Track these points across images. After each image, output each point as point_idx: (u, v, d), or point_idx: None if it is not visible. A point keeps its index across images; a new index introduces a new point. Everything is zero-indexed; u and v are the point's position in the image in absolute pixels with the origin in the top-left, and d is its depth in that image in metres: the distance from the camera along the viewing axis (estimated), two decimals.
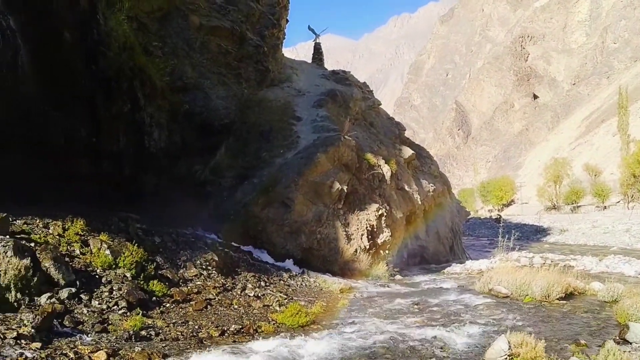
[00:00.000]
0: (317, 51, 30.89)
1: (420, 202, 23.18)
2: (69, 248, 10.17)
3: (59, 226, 10.76)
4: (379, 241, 18.80)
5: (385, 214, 19.23)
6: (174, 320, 9.41)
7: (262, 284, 13.27)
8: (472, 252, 32.51)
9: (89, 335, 7.82)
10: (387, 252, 19.47)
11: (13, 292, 7.96)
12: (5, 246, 8.48)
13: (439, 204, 26.58)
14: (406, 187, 22.49)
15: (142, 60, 16.21)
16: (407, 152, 24.95)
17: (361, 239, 17.97)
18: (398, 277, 18.96)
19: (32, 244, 9.35)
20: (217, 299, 11.14)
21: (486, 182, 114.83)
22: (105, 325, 8.30)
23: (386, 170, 20.73)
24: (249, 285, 12.69)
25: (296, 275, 15.34)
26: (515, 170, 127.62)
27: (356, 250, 17.74)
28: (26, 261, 8.45)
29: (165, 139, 17.29)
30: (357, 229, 18.05)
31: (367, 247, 18.04)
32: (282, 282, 14.14)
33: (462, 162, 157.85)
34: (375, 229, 18.58)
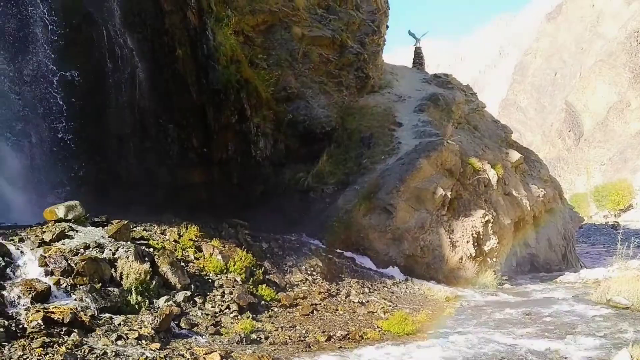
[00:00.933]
0: (418, 55, 30.55)
1: (529, 208, 22.18)
2: (183, 253, 10.74)
3: (174, 232, 11.39)
4: (486, 248, 18.20)
5: (491, 220, 18.59)
6: (282, 325, 9.65)
7: (366, 290, 13.28)
8: (587, 261, 30.58)
9: (204, 337, 8.21)
10: (494, 259, 18.80)
11: (134, 295, 8.52)
12: (127, 251, 9.11)
13: (549, 209, 25.28)
14: (514, 192, 21.62)
15: (248, 72, 16.85)
16: (514, 155, 23.98)
17: (466, 246, 17.49)
18: (507, 285, 18.25)
19: (151, 249, 9.97)
20: (322, 305, 11.30)
21: (601, 186, 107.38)
22: (218, 327, 8.67)
23: (492, 174, 20.05)
24: (353, 292, 12.75)
25: (400, 282, 15.20)
26: (633, 173, 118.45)
27: (461, 258, 17.28)
28: (146, 266, 9.03)
29: (270, 147, 17.86)
30: (462, 235, 17.59)
31: (473, 254, 17.52)
32: (385, 289, 14.07)
33: (573, 165, 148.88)
34: (481, 236, 18.01)
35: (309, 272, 12.87)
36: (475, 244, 17.74)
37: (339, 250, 16.12)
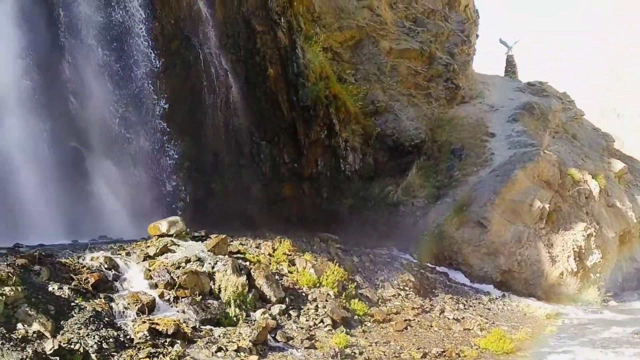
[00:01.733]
0: (510, 64, 29.66)
1: (635, 220, 20.79)
2: (277, 267, 10.94)
3: (269, 246, 11.65)
4: (588, 263, 17.21)
5: (594, 233, 17.57)
6: (375, 340, 9.57)
7: (461, 306, 12.92)
8: None
9: (299, 351, 8.29)
10: (597, 275, 17.72)
11: (232, 308, 8.76)
12: (225, 265, 9.40)
13: None
14: (618, 204, 20.35)
15: (336, 88, 17.06)
16: (618, 165, 22.61)
17: (567, 260, 16.62)
18: (612, 302, 17.13)
19: (247, 263, 10.24)
20: (416, 320, 11.10)
21: None
22: (313, 341, 8.73)
23: (593, 185, 18.99)
24: (448, 308, 12.44)
25: (496, 298, 14.67)
26: None
27: (562, 273, 16.44)
28: (242, 279, 9.27)
29: (359, 161, 17.93)
30: (563, 250, 16.74)
31: (575, 269, 16.61)
32: (481, 305, 13.62)
33: None
34: (583, 250, 17.06)
35: (401, 287, 12.71)
36: (577, 258, 16.82)
37: (431, 265, 15.83)
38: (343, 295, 10.80)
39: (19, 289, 6.72)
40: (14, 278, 6.89)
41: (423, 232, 17.38)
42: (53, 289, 7.28)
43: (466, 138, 20.49)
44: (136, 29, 12.79)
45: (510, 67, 29.80)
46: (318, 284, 10.74)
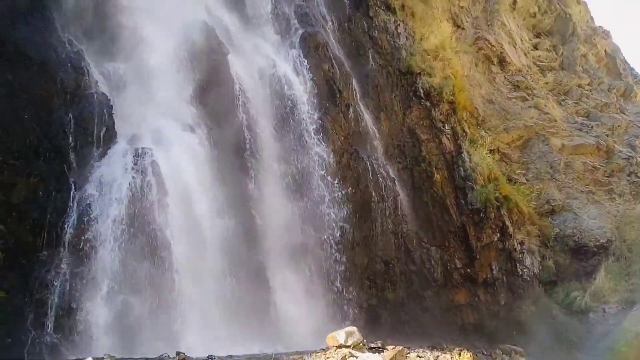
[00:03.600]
0: None
1: None
2: None
3: (447, 359, 11.15)
4: None
5: None
6: None
7: None
8: None
9: None
10: None
11: None
12: None
13: None
14: None
15: (507, 189, 16.60)
16: None
17: None
18: None
19: None
20: None
21: None
22: None
23: None
24: None
25: None
26: None
27: None
28: None
29: (537, 264, 16.91)
30: None
31: None
32: None
33: None
34: None
35: None
36: None
37: None
38: None
39: None
40: None
41: (619, 342, 15.49)
42: None
43: None
44: (312, 150, 13.78)
45: None
46: None
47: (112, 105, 10.95)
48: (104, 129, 10.71)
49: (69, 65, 10.66)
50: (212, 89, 12.71)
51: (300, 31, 15.11)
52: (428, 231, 15.97)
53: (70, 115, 10.46)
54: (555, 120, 18.62)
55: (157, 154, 10.79)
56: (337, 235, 13.71)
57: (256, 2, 14.92)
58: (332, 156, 14.23)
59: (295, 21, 15.32)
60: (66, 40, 10.89)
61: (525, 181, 17.75)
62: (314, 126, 13.93)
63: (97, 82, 11.10)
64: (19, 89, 9.97)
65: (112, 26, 11.82)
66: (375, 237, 14.96)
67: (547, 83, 19.23)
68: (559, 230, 17.43)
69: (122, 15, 12.02)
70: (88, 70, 10.99)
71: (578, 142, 19.17)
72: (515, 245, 16.62)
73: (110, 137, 10.80)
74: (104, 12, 11.84)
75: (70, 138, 10.33)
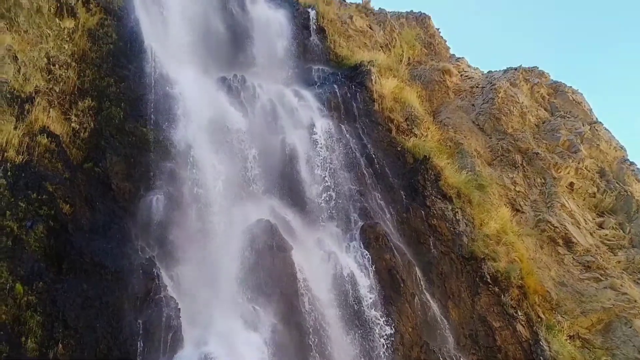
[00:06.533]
0: None
1: None
2: None
3: None
4: None
5: None
6: None
7: None
8: None
9: None
10: None
11: None
12: None
13: None
14: None
15: None
16: None
17: None
18: None
19: None
20: None
21: None
22: None
23: None
24: None
25: None
26: None
27: None
28: None
29: None
30: None
31: None
32: None
33: None
34: None
35: None
36: None
37: None
38: None
39: None
40: None
41: None
42: None
43: None
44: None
45: None
46: None
47: (179, 309, 11.06)
48: (171, 333, 10.71)
49: (141, 271, 11.07)
50: (276, 286, 12.80)
51: (360, 223, 15.46)
52: None
53: (139, 320, 10.60)
54: (635, 301, 17.45)
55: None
56: None
57: (317, 200, 15.56)
58: (401, 350, 13.60)
59: (355, 215, 15.75)
60: (139, 248, 11.46)
61: None
62: (381, 320, 13.55)
63: (166, 286, 11.38)
64: (93, 298, 10.27)
65: (182, 235, 12.45)
66: None
67: (619, 262, 18.46)
68: None
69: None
70: (158, 275, 11.34)
71: None
72: None
73: (177, 341, 10.75)
74: (175, 221, 12.56)
75: (139, 344, 10.34)
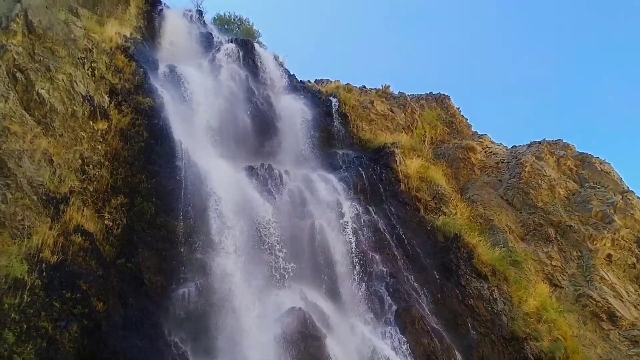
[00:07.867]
0: None
1: None
2: None
3: None
4: None
5: None
6: None
7: None
8: None
9: None
10: None
11: None
12: None
13: None
14: None
15: None
16: None
17: None
18: None
19: None
20: None
21: None
22: None
23: None
24: None
25: None
26: None
27: None
28: None
29: None
30: None
31: None
32: None
33: None
34: None
35: None
36: None
37: None
38: None
39: None
40: None
41: None
42: None
43: None
44: None
45: None
46: None
47: None
48: None
49: None
50: None
51: (394, 307, 15.07)
52: None
53: None
54: None
55: None
56: None
57: (348, 284, 15.31)
58: None
59: (388, 298, 15.39)
60: (172, 344, 11.27)
61: None
62: None
63: None
64: None
65: (214, 327, 12.28)
66: None
67: None
68: None
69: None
70: None
71: None
72: None
73: None
74: (206, 313, 12.42)
75: None
